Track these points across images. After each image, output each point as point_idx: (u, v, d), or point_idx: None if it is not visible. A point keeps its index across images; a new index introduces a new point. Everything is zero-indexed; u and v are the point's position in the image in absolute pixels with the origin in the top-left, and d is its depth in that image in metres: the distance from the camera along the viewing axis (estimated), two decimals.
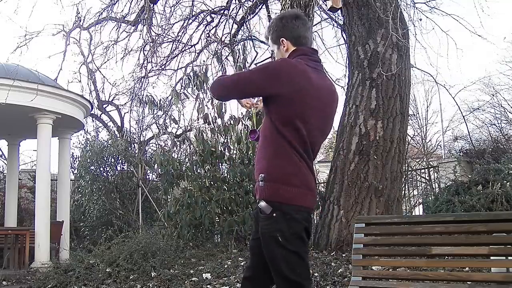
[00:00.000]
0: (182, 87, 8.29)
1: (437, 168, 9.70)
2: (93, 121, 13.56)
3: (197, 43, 9.27)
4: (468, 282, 2.46)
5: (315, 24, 8.92)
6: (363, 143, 5.75)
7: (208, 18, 9.09)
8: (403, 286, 2.62)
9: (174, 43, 9.23)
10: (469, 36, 7.45)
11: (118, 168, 10.52)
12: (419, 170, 10.60)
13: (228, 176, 6.91)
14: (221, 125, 7.22)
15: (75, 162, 11.07)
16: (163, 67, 9.41)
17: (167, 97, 9.13)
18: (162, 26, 8.89)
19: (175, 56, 9.40)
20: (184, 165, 7.41)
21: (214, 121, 7.20)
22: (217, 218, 6.74)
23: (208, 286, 4.52)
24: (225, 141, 7.27)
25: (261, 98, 2.26)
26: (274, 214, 2.01)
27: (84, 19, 9.02)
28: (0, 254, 8.12)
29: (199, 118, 7.35)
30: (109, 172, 10.42)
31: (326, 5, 7.24)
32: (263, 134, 2.13)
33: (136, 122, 11.29)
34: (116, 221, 9.14)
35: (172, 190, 7.45)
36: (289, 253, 2.00)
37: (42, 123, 8.13)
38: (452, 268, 3.08)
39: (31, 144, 16.91)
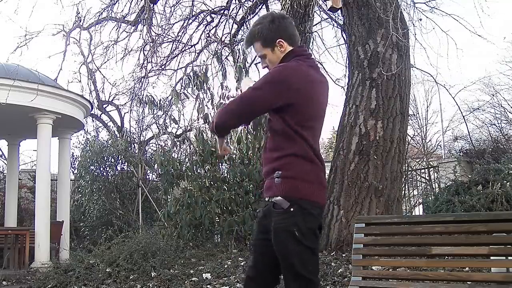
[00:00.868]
0: (182, 87, 8.28)
1: (437, 168, 9.71)
2: (93, 121, 13.57)
3: (197, 43, 9.28)
4: (468, 282, 2.46)
5: (315, 24, 8.93)
6: (363, 143, 5.75)
7: (208, 18, 9.09)
8: (403, 286, 2.62)
9: (174, 43, 9.23)
10: (469, 36, 7.45)
11: (118, 168, 10.53)
12: (419, 170, 10.61)
13: (228, 176, 6.91)
14: None
15: (75, 162, 11.08)
16: (163, 67, 9.41)
17: (167, 97, 9.13)
18: (162, 26, 8.88)
19: (175, 56, 9.40)
20: (184, 165, 7.41)
21: None
22: (217, 218, 6.74)
23: (208, 286, 4.52)
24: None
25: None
26: (292, 209, 2.03)
27: (84, 19, 9.01)
28: (0, 254, 8.13)
29: (199, 118, 7.35)
30: (109, 172, 10.43)
31: (326, 5, 7.25)
32: (276, 134, 2.14)
33: (136, 122, 11.31)
34: (116, 221, 9.15)
35: (172, 190, 7.45)
36: (304, 248, 2.02)
37: (42, 123, 8.13)
38: (452, 268, 3.08)
39: (31, 144, 16.90)
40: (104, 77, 13.58)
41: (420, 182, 10.40)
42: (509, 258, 2.55)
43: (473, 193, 5.95)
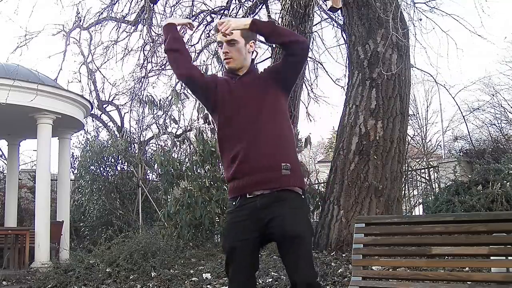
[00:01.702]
0: (182, 87, 8.28)
1: (437, 168, 9.70)
2: (93, 121, 13.57)
3: (197, 43, 9.27)
4: (468, 282, 2.46)
5: (315, 24, 8.93)
6: (363, 143, 5.75)
7: (208, 18, 9.09)
8: (403, 286, 2.62)
9: None
10: (469, 36, 7.45)
11: (118, 168, 10.53)
12: (419, 170, 10.60)
13: None
14: None
15: (75, 162, 11.07)
16: (163, 67, 9.40)
17: (167, 97, 9.14)
18: (162, 26, 8.87)
19: None
20: (184, 165, 7.41)
21: (214, 121, 7.19)
22: (217, 218, 6.74)
23: (208, 286, 4.52)
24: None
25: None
26: (303, 197, 2.24)
27: (84, 19, 9.00)
28: (0, 254, 8.13)
29: (199, 118, 7.36)
30: (109, 172, 10.43)
31: (326, 5, 7.25)
32: (280, 128, 2.25)
33: (136, 122, 11.30)
34: (116, 221, 9.14)
35: (172, 190, 7.45)
36: (312, 231, 2.31)
37: (42, 123, 8.13)
38: (452, 268, 3.08)
39: (31, 144, 16.94)
40: (104, 77, 13.65)
41: (420, 182, 10.40)
42: (509, 258, 2.55)
43: (473, 193, 5.95)
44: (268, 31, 2.26)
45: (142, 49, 9.07)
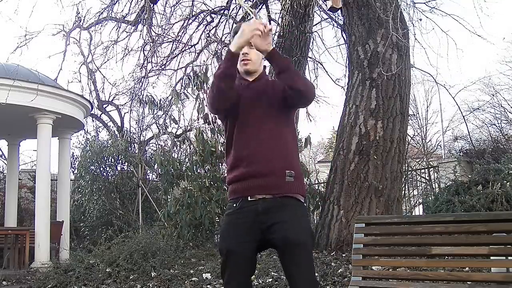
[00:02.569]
0: (182, 87, 8.29)
1: (437, 168, 9.70)
2: (93, 121, 13.57)
3: (197, 43, 9.28)
4: (468, 282, 2.46)
5: (315, 24, 8.94)
6: (363, 143, 5.75)
7: (208, 18, 9.09)
8: (403, 286, 2.62)
9: (174, 43, 9.23)
10: (469, 36, 7.45)
11: (118, 168, 10.53)
12: (419, 170, 10.60)
13: None
14: (221, 125, 7.22)
15: (75, 162, 11.07)
16: (163, 67, 9.41)
17: (167, 97, 9.14)
18: (162, 26, 8.89)
19: (175, 56, 9.40)
20: (184, 165, 7.41)
21: (214, 121, 7.21)
22: (217, 218, 6.74)
23: (208, 286, 4.52)
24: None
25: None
26: (303, 203, 2.26)
27: (84, 19, 9.01)
28: (0, 254, 8.13)
29: (199, 118, 7.36)
30: (109, 172, 10.43)
31: (326, 5, 7.26)
32: (286, 135, 2.26)
33: (136, 122, 11.32)
34: (116, 221, 9.14)
35: (172, 190, 7.45)
36: (313, 237, 2.40)
37: (42, 123, 8.13)
38: (452, 268, 3.08)
39: (31, 144, 16.93)
40: (104, 77, 13.61)
41: (420, 182, 10.40)
42: (509, 258, 2.55)
43: (473, 193, 5.95)
44: (283, 66, 2.16)
45: (142, 49, 9.09)
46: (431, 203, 6.66)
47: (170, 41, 9.19)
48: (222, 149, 7.12)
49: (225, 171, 7.07)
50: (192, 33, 9.23)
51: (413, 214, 9.35)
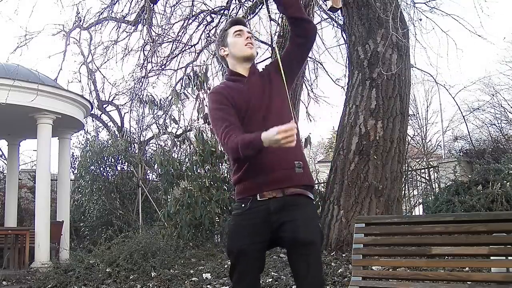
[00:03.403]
0: (182, 87, 8.28)
1: (437, 168, 9.70)
2: (93, 121, 13.57)
3: (197, 43, 9.26)
4: (468, 282, 2.46)
5: (315, 24, 8.91)
6: (363, 143, 5.75)
7: (208, 18, 9.08)
8: (403, 286, 2.62)
9: (174, 43, 9.22)
10: (469, 36, 7.46)
11: (118, 168, 10.53)
12: (419, 170, 10.60)
13: (228, 176, 6.91)
14: None
15: (75, 162, 11.07)
16: (163, 67, 9.39)
17: (167, 97, 9.13)
18: (162, 26, 8.88)
19: (175, 56, 9.39)
20: (184, 165, 7.41)
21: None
22: (217, 218, 6.74)
23: (208, 286, 4.52)
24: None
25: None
26: (313, 199, 2.24)
27: (84, 19, 9.01)
28: (0, 254, 8.13)
29: (199, 118, 7.36)
30: (109, 172, 10.43)
31: (326, 5, 7.24)
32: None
33: (136, 122, 11.30)
34: (116, 221, 9.14)
35: (172, 190, 7.45)
36: (322, 236, 2.28)
37: (42, 123, 8.13)
38: (452, 268, 3.08)
39: (31, 144, 16.93)
40: (104, 77, 13.62)
41: (420, 182, 10.40)
42: (509, 258, 2.55)
43: (473, 193, 5.95)
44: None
45: (142, 49, 9.08)
46: (431, 203, 6.66)
47: (170, 41, 9.19)
48: (222, 149, 7.12)
49: (225, 171, 7.11)
50: (192, 33, 9.23)
51: (413, 214, 9.36)
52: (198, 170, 7.14)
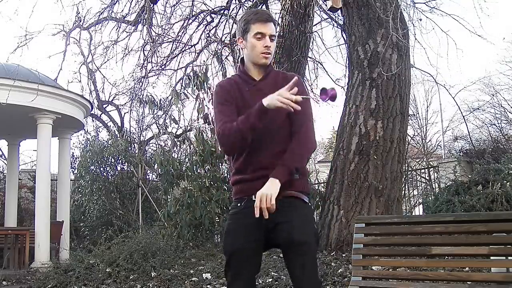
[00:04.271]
0: (182, 87, 8.28)
1: (437, 168, 9.70)
2: (93, 121, 13.57)
3: (197, 43, 9.27)
4: (468, 282, 2.46)
5: (315, 24, 8.93)
6: (363, 143, 5.75)
7: (208, 18, 9.09)
8: (403, 286, 2.62)
9: (174, 43, 9.22)
10: (469, 36, 7.46)
11: (118, 168, 10.53)
12: (419, 170, 10.60)
13: (228, 176, 6.91)
14: None
15: (75, 162, 11.07)
16: (163, 67, 9.40)
17: (167, 97, 9.13)
18: (162, 26, 8.89)
19: (175, 56, 9.40)
20: (184, 165, 7.41)
21: (214, 121, 7.20)
22: (217, 218, 6.74)
23: (208, 286, 4.52)
24: None
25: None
26: (309, 203, 2.24)
27: (84, 19, 9.01)
28: (0, 254, 8.13)
29: (199, 118, 7.36)
30: (109, 172, 10.43)
31: (326, 5, 7.25)
32: (288, 130, 2.19)
33: (136, 122, 11.31)
34: (116, 221, 9.14)
35: (172, 190, 7.45)
36: (318, 238, 2.33)
37: (42, 123, 8.13)
38: (452, 268, 3.08)
39: (31, 144, 16.92)
40: (104, 77, 13.59)
41: (420, 182, 10.40)
42: (509, 258, 2.55)
43: (473, 193, 5.94)
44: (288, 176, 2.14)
45: (142, 49, 9.09)
46: (431, 203, 6.66)
47: (170, 41, 9.19)
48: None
49: (225, 171, 7.11)
50: (192, 33, 9.23)
51: (413, 214, 9.36)
52: (198, 170, 7.14)
